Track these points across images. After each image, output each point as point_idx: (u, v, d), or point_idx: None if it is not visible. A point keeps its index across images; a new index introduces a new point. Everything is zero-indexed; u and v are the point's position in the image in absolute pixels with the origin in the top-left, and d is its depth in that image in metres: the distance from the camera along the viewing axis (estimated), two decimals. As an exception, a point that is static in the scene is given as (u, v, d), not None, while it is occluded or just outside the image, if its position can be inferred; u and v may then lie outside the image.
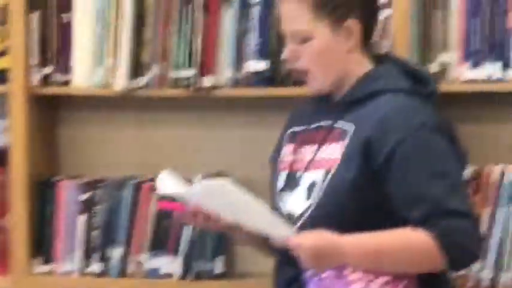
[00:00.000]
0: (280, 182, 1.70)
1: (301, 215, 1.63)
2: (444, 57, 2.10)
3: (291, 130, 1.76)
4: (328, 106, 1.68)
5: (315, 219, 1.59)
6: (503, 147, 2.17)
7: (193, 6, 2.17)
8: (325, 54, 1.63)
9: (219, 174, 2.18)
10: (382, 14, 2.05)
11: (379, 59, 1.71)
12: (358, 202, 1.57)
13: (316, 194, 1.61)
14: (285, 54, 1.68)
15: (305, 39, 1.62)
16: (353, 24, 1.62)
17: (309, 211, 1.61)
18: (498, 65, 2.07)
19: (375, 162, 1.57)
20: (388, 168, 1.55)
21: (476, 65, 2.08)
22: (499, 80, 2.08)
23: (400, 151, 1.55)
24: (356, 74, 1.65)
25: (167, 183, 1.62)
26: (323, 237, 1.52)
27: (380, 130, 1.58)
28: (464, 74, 2.08)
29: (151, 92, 2.21)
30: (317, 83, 1.65)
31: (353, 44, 1.63)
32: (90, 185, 2.26)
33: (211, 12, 2.17)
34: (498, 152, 2.16)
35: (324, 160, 1.64)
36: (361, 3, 1.65)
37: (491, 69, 2.08)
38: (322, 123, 1.67)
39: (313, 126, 1.69)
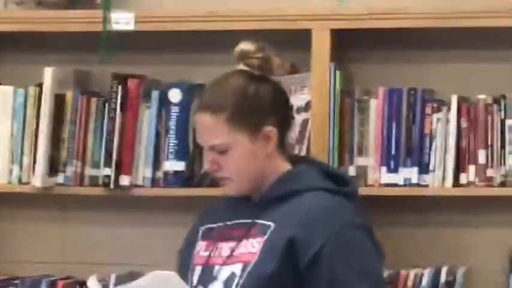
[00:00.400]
0: (195, 276, 1.72)
1: None
2: (362, 161, 2.11)
3: (206, 227, 1.77)
4: (246, 205, 1.70)
5: None
6: (420, 250, 2.18)
7: (111, 105, 2.16)
8: (245, 162, 1.67)
9: (131, 274, 2.13)
10: (300, 117, 2.09)
11: (297, 161, 1.76)
12: None
13: (234, 287, 1.63)
14: (207, 166, 1.73)
15: (224, 151, 1.65)
16: (269, 130, 1.66)
17: None
18: (414, 169, 2.09)
19: (301, 262, 1.59)
20: (315, 267, 1.58)
21: (393, 169, 2.10)
22: (415, 185, 2.09)
23: (326, 252, 1.58)
24: (275, 174, 1.69)
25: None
26: None
27: (305, 230, 1.60)
28: (381, 178, 2.09)
29: (69, 189, 2.19)
30: (235, 189, 1.69)
31: (271, 149, 1.68)
32: (5, 283, 2.20)
33: (130, 112, 2.17)
34: (414, 255, 2.17)
35: (242, 255, 1.66)
36: (274, 110, 1.69)
37: (408, 174, 2.09)
38: (241, 221, 1.69)
39: (230, 223, 1.71)
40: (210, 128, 1.67)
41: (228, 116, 1.64)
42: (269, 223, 1.64)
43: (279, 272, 1.60)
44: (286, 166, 1.71)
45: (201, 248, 1.75)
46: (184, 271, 1.76)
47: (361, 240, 1.64)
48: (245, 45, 1.71)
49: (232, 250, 1.68)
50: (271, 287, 1.61)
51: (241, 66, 1.71)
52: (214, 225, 1.76)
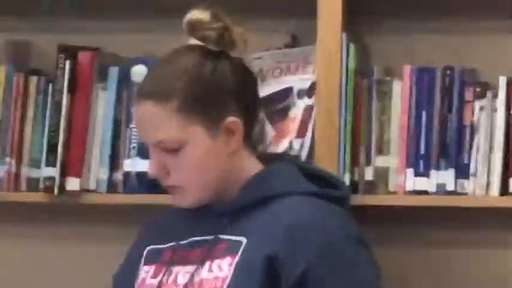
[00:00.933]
0: None
1: None
2: (382, 162, 1.88)
3: (152, 247, 1.60)
4: (206, 217, 1.56)
5: None
6: (454, 276, 1.94)
7: (56, 86, 1.91)
8: (202, 163, 1.49)
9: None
10: (302, 103, 1.89)
11: (270, 159, 1.62)
12: None
13: None
14: (150, 169, 1.54)
15: (175, 150, 1.47)
16: (232, 121, 1.50)
17: None
18: (450, 173, 1.86)
19: (285, 282, 1.45)
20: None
21: (423, 172, 1.89)
22: (451, 193, 1.86)
23: (314, 272, 1.45)
24: (242, 178, 1.54)
25: None
26: None
27: (286, 244, 1.46)
28: (407, 184, 1.86)
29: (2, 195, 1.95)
30: (190, 199, 1.52)
31: (235, 145, 1.52)
32: None
33: (80, 94, 1.93)
34: (448, 281, 1.95)
35: (206, 281, 1.49)
36: (238, 95, 1.52)
37: (441, 179, 1.88)
38: (199, 238, 1.54)
39: (184, 242, 1.55)
40: (155, 121, 1.50)
41: (177, 105, 1.48)
42: (239, 238, 1.50)
43: None
44: (256, 166, 1.57)
45: (147, 274, 1.59)
46: None
47: (357, 256, 1.50)
48: (197, 14, 1.52)
49: (192, 276, 1.52)
50: None
51: (194, 41, 1.53)
52: (164, 246, 1.59)
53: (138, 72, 1.86)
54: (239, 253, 1.47)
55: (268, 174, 1.56)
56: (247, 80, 1.58)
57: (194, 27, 1.51)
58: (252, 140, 1.61)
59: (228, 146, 1.51)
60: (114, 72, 1.95)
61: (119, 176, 1.94)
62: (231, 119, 1.49)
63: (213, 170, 1.51)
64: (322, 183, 1.59)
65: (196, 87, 1.48)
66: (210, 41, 1.51)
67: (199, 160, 1.48)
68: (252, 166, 1.55)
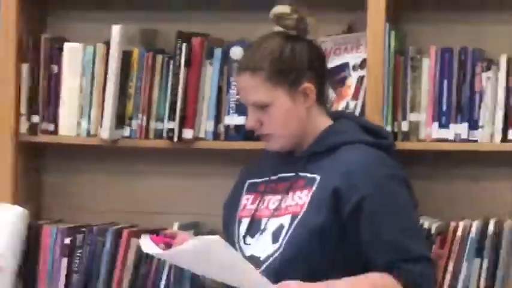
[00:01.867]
0: (242, 228, 1.79)
1: (267, 257, 1.72)
2: (414, 117, 2.19)
3: (250, 181, 1.87)
4: (289, 159, 1.79)
5: (282, 262, 1.69)
6: (468, 203, 2.27)
7: (176, 62, 2.25)
8: (285, 118, 1.75)
9: (194, 225, 2.27)
10: (356, 74, 2.21)
11: (336, 116, 1.86)
12: (322, 244, 1.68)
13: (283, 237, 1.70)
14: (248, 123, 1.79)
15: (265, 107, 1.74)
16: (307, 86, 1.74)
17: (276, 254, 1.70)
18: (465, 125, 2.17)
19: (344, 210, 1.68)
20: (357, 216, 1.67)
21: (444, 125, 2.18)
22: (465, 140, 2.17)
23: (367, 201, 1.67)
24: (315, 130, 1.78)
25: (149, 244, 1.71)
26: (300, 284, 1.62)
27: (348, 180, 1.69)
28: (433, 133, 2.17)
29: (134, 142, 2.30)
30: (279, 144, 1.77)
31: (310, 105, 1.76)
32: (73, 231, 2.31)
33: (193, 68, 2.26)
34: (463, 207, 2.26)
35: (290, 207, 1.75)
36: (310, 68, 1.77)
37: (458, 129, 2.17)
38: (285, 174, 1.79)
39: (274, 177, 1.80)
40: (251, 87, 1.75)
41: (266, 75, 1.73)
42: (314, 176, 1.73)
43: (327, 223, 1.69)
44: (327, 121, 1.80)
45: (247, 201, 1.84)
46: (228, 223, 1.86)
47: (400, 190, 1.73)
48: (280, 8, 1.79)
49: (279, 203, 1.75)
50: (319, 237, 1.69)
51: (278, 28, 1.79)
52: (259, 180, 1.85)
53: (236, 52, 2.21)
54: (314, 187, 1.72)
55: (335, 129, 1.81)
56: (318, 56, 1.82)
57: (278, 18, 1.78)
58: (322, 101, 1.84)
59: (303, 105, 1.75)
60: (218, 52, 2.26)
61: (221, 127, 2.27)
62: (306, 85, 1.74)
63: (294, 123, 1.76)
64: (373, 134, 1.82)
65: (279, 62, 1.75)
66: (289, 28, 1.78)
67: (282, 115, 1.75)
68: (322, 121, 1.80)
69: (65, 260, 2.30)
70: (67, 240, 2.30)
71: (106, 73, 2.28)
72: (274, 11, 1.80)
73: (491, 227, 2.12)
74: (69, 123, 2.32)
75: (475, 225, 2.12)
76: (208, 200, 2.30)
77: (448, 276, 2.12)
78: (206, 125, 2.27)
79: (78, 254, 2.30)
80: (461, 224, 2.13)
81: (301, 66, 1.77)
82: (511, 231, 2.13)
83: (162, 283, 2.27)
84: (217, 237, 1.61)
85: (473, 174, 2.27)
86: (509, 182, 2.26)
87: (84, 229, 2.31)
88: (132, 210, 2.39)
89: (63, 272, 2.31)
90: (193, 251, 1.61)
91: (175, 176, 2.41)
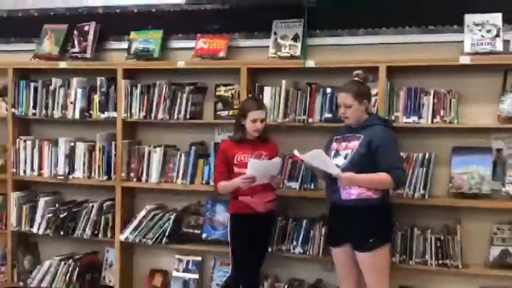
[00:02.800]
0: (331, 153, 4.52)
1: (341, 166, 4.39)
2: (396, 114, 5.30)
3: (335, 137, 4.61)
4: (351, 129, 4.70)
5: (347, 167, 4.39)
6: (418, 147, 5.24)
7: None
8: (355, 113, 4.56)
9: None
10: (373, 98, 5.10)
11: (370, 113, 4.82)
12: (365, 161, 4.39)
13: (348, 158, 4.42)
14: (340, 113, 4.77)
15: (349, 107, 4.67)
16: (365, 102, 4.56)
17: (345, 163, 4.41)
18: (415, 117, 5.13)
19: (372, 148, 4.35)
20: (377, 150, 4.34)
21: (408, 117, 5.21)
22: (416, 123, 5.15)
23: (382, 145, 4.36)
24: (363, 118, 4.71)
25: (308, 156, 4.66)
26: (351, 174, 4.36)
27: (374, 137, 4.39)
28: (403, 120, 5.28)
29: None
30: (350, 121, 4.70)
31: (365, 109, 4.71)
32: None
33: None
34: (417, 148, 5.21)
35: (350, 146, 4.47)
36: (367, 96, 4.64)
37: (414, 119, 5.15)
38: (349, 134, 4.54)
39: (345, 136, 4.57)
40: (344, 98, 4.49)
41: (353, 95, 4.47)
42: (361, 135, 4.43)
43: (366, 153, 4.33)
44: (367, 115, 4.72)
45: (334, 145, 4.56)
46: (326, 150, 4.54)
47: (394, 142, 4.44)
48: (359, 71, 4.67)
49: (347, 144, 4.47)
50: (364, 158, 4.35)
51: (356, 78, 4.57)
52: (339, 136, 4.58)
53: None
54: (360, 139, 4.42)
55: (371, 118, 4.53)
56: (369, 91, 4.57)
57: (357, 76, 4.60)
58: (368, 108, 4.56)
59: (362, 108, 4.49)
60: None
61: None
62: (365, 102, 4.49)
63: (358, 115, 4.49)
64: (383, 121, 4.55)
65: (358, 91, 4.50)
66: (360, 79, 4.57)
67: (354, 110, 4.51)
68: (366, 115, 4.53)
69: None
70: None
71: None
72: (357, 72, 4.56)
73: (427, 156, 5.10)
74: None
75: (421, 156, 5.09)
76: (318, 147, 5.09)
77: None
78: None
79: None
80: (415, 155, 5.12)
81: (365, 96, 4.49)
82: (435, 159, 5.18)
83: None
84: (321, 150, 4.46)
85: (418, 136, 5.02)
86: (434, 139, 5.10)
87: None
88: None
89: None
90: (311, 155, 4.51)
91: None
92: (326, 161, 4.38)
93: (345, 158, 4.46)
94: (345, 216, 4.46)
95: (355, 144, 4.48)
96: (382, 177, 4.37)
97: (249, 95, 5.28)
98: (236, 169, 4.79)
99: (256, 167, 4.57)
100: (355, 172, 4.36)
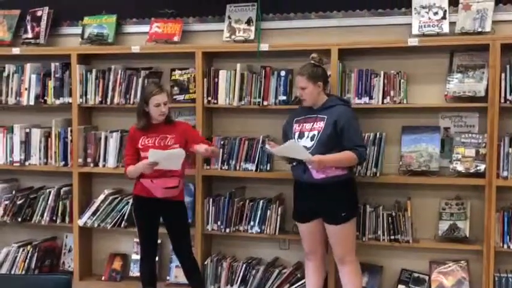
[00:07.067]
0: (295, 136, 4.67)
1: (309, 147, 4.58)
2: (348, 95, 5.52)
3: (295, 118, 4.81)
4: (311, 110, 4.87)
5: (315, 149, 4.58)
6: (372, 125, 5.43)
7: None
8: (310, 93, 4.81)
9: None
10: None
11: (328, 94, 5.00)
12: (331, 141, 4.58)
13: (315, 139, 4.56)
14: (299, 94, 4.92)
15: (304, 88, 4.84)
16: (319, 84, 4.84)
17: (313, 146, 4.59)
18: (367, 98, 5.28)
19: (338, 128, 4.56)
20: (342, 130, 4.55)
21: (359, 98, 5.44)
22: (367, 104, 5.34)
23: (345, 125, 4.55)
24: (322, 99, 4.87)
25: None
26: (321, 157, 4.61)
27: (338, 118, 4.58)
28: (356, 101, 5.47)
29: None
30: (308, 103, 4.88)
31: (321, 90, 4.87)
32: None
33: None
34: (371, 126, 5.44)
35: (315, 128, 4.64)
36: (322, 78, 4.86)
37: (365, 100, 5.32)
38: (311, 115, 4.71)
39: (307, 116, 4.76)
40: (299, 80, 4.70)
41: (307, 77, 4.72)
42: (324, 116, 4.61)
43: (332, 133, 4.51)
44: (325, 96, 4.88)
45: (296, 126, 4.72)
46: (287, 133, 4.85)
47: (354, 121, 4.64)
48: (314, 54, 4.86)
49: (311, 126, 4.63)
50: (330, 139, 4.53)
51: (312, 61, 4.86)
52: (300, 117, 4.73)
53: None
54: (325, 120, 4.59)
55: (331, 99, 4.73)
56: (325, 73, 4.77)
57: (313, 58, 4.76)
58: (325, 89, 4.75)
59: (318, 89, 4.68)
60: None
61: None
62: (319, 84, 4.68)
63: (313, 95, 4.69)
64: (343, 101, 4.76)
65: (312, 74, 4.69)
66: (316, 61, 4.76)
67: (309, 92, 4.70)
68: (325, 96, 4.74)
69: None
70: None
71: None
72: (313, 55, 4.81)
73: (378, 135, 5.31)
74: None
75: (372, 135, 5.29)
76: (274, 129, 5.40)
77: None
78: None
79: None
80: (367, 135, 5.30)
81: (320, 76, 4.66)
82: (385, 134, 5.41)
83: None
84: (294, 140, 4.76)
85: (369, 116, 5.24)
86: (385, 119, 5.33)
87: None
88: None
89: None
90: (285, 147, 4.68)
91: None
92: (299, 150, 4.54)
93: (312, 139, 4.64)
94: (317, 193, 4.67)
95: (320, 125, 4.66)
96: (348, 156, 4.60)
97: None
98: (142, 153, 4.82)
99: (155, 156, 4.62)
100: (323, 152, 4.56)
